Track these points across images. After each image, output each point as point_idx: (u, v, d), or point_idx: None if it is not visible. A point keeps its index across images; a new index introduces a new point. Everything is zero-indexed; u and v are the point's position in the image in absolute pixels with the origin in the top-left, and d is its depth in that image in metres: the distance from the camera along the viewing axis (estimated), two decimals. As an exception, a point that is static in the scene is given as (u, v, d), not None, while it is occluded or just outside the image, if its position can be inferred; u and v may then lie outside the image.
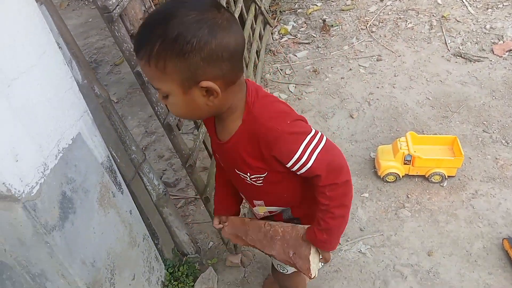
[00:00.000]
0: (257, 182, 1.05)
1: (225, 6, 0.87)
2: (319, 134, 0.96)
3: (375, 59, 3.06)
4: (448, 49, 3.04)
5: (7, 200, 0.92)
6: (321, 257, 1.12)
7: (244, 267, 1.83)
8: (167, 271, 1.70)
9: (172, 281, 1.68)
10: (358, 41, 3.27)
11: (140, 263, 1.47)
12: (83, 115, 1.18)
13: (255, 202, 1.17)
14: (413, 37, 3.23)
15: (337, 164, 0.96)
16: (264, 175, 1.02)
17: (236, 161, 1.02)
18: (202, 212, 2.12)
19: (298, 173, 0.97)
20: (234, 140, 0.98)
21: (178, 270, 1.71)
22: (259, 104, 0.94)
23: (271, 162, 0.97)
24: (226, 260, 1.85)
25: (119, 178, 1.37)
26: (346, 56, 3.14)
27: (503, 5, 3.33)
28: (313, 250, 1.09)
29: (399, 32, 3.30)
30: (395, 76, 2.86)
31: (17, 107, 0.92)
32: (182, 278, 1.69)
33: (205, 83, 0.84)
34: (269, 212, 1.20)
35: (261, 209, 1.20)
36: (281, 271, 1.34)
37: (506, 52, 2.90)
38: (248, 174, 1.03)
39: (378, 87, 2.78)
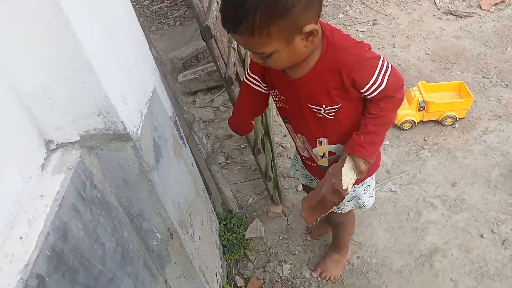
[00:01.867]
0: (330, 114, 1.12)
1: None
2: (386, 59, 1.07)
3: (371, 24, 3.22)
4: (438, 8, 3.23)
5: (120, 139, 1.01)
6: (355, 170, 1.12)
7: (286, 216, 1.98)
8: (220, 223, 1.82)
9: (226, 231, 1.80)
10: (352, 9, 3.42)
11: (204, 212, 1.59)
12: (154, 72, 1.28)
13: (319, 140, 1.21)
14: (403, 0, 3.40)
15: (401, 83, 1.07)
16: (338, 106, 1.09)
17: (312, 94, 1.09)
18: (235, 175, 2.24)
19: (369, 96, 1.05)
20: (312, 73, 1.05)
21: (230, 222, 1.84)
22: (337, 37, 1.03)
23: (347, 89, 1.05)
24: (269, 211, 1.98)
25: (182, 133, 1.48)
26: (343, 23, 3.29)
27: (483, -36, 3.54)
28: (348, 164, 1.11)
29: (390, -4, 3.46)
30: (393, 37, 3.03)
31: (118, 56, 1.02)
32: (235, 229, 1.82)
33: (308, 27, 0.91)
34: (329, 153, 1.24)
35: (322, 149, 1.23)
36: (338, 211, 1.41)
37: (493, 6, 3.11)
38: (324, 106, 1.10)
39: (379, 49, 2.94)
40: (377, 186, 2.02)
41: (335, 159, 1.21)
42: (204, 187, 1.68)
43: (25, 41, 0.82)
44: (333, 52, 1.02)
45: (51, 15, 0.78)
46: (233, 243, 1.78)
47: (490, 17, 3.02)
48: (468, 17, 3.07)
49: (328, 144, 1.22)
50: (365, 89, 1.05)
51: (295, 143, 1.37)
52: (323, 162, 1.27)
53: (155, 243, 1.27)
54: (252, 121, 1.39)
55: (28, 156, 0.92)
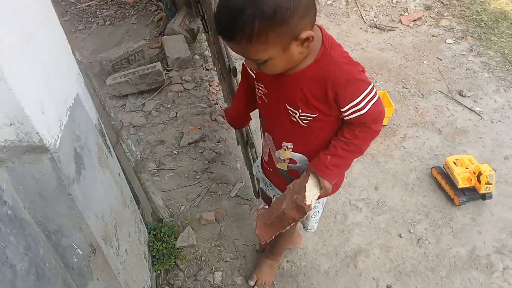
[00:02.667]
0: (304, 121, 1.10)
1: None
2: (375, 87, 1.05)
3: (303, 33, 3.33)
4: (364, 22, 3.43)
5: (36, 151, 0.94)
6: (320, 189, 1.12)
7: (218, 222, 1.97)
8: (149, 233, 1.77)
9: (156, 241, 1.76)
10: (285, 17, 3.52)
11: (132, 223, 1.54)
12: (77, 77, 1.21)
13: (285, 144, 1.19)
14: (333, 12, 3.57)
15: (382, 116, 1.06)
16: (314, 115, 1.07)
17: (292, 95, 1.07)
18: (167, 182, 2.19)
19: (347, 118, 1.05)
20: (299, 75, 1.03)
21: (160, 231, 1.79)
22: (335, 50, 1.02)
23: (329, 102, 1.04)
24: (201, 219, 1.97)
25: (108, 141, 1.42)
26: (277, 31, 3.37)
27: (404, -18, 3.83)
28: (311, 181, 1.11)
29: (320, 8, 3.61)
30: (323, 46, 3.16)
31: (36, 62, 0.95)
32: (165, 238, 1.78)
33: (304, 34, 0.92)
34: (290, 160, 1.21)
35: (285, 154, 1.21)
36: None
37: (412, 22, 3.38)
38: (300, 111, 1.08)
39: (310, 57, 3.06)
40: (307, 191, 2.09)
41: (294, 169, 1.22)
42: (132, 197, 1.62)
43: None
44: (326, 62, 1.02)
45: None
46: (163, 253, 1.74)
47: (409, 31, 3.27)
48: (391, 31, 3.30)
49: (292, 151, 1.20)
50: (345, 109, 1.04)
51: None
52: (282, 165, 1.25)
53: (75, 260, 1.20)
54: (250, 114, 1.36)
55: None
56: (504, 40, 3.08)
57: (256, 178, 1.77)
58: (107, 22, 3.59)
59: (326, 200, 1.40)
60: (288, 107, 1.10)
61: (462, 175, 1.94)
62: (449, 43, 3.12)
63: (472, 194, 1.92)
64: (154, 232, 1.78)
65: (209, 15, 1.44)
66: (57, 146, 0.99)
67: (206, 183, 2.14)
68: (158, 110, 2.60)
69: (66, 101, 1.10)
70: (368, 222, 1.92)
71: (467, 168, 1.97)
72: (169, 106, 2.63)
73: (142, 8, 3.76)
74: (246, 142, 1.78)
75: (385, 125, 2.41)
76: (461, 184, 1.92)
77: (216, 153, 2.29)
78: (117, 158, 1.55)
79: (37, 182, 1.01)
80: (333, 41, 1.04)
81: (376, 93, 1.04)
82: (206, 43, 3.27)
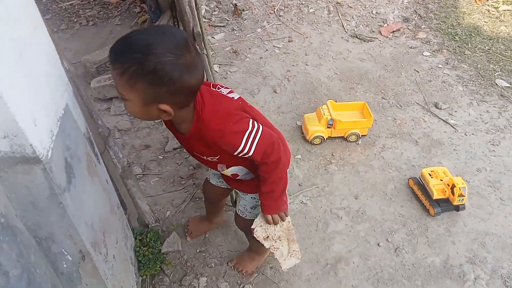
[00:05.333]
0: (213, 160, 1.34)
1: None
2: (256, 127, 1.21)
3: (286, 40, 3.39)
4: (345, 31, 3.52)
5: (29, 162, 0.95)
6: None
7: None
8: (136, 238, 1.78)
9: (142, 247, 1.77)
10: (269, 24, 3.57)
11: (119, 229, 1.54)
12: (67, 88, 1.22)
13: (219, 166, 1.40)
14: (315, 21, 3.64)
15: (271, 149, 1.23)
16: (217, 157, 1.32)
17: (193, 148, 1.33)
18: (152, 187, 2.20)
19: (245, 157, 1.24)
20: (189, 136, 1.24)
21: (146, 236, 1.81)
22: (207, 111, 1.18)
23: (221, 151, 1.26)
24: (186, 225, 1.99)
25: (96, 149, 1.42)
26: (261, 38, 3.42)
27: (383, -6, 3.95)
28: (260, 215, 1.41)
29: (303, 16, 3.68)
30: (306, 55, 3.23)
31: (28, 76, 0.96)
32: (151, 243, 1.79)
33: (162, 106, 1.08)
34: (233, 175, 1.43)
35: (226, 172, 1.42)
36: (240, 214, 1.62)
37: (390, 33, 3.49)
38: (205, 157, 1.34)
39: (293, 65, 3.12)
40: (290, 198, 2.14)
41: (240, 178, 1.44)
42: (119, 203, 1.63)
43: None
44: (200, 125, 1.19)
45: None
46: (149, 258, 1.75)
47: (388, 43, 3.38)
48: (371, 41, 3.40)
49: (227, 168, 1.40)
50: (235, 154, 1.23)
51: None
52: (226, 173, 1.44)
53: (65, 266, 1.21)
54: None
55: None
56: (477, 54, 3.22)
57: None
58: (90, 23, 3.55)
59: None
60: (196, 153, 1.36)
61: (437, 187, 2.03)
62: (425, 56, 3.24)
63: (447, 205, 2.02)
64: (140, 237, 1.79)
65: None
66: (49, 157, 1.00)
67: (191, 189, 2.16)
68: (142, 114, 2.60)
69: (57, 112, 1.11)
70: (348, 231, 1.99)
71: (441, 180, 2.07)
72: (153, 110, 2.63)
73: (126, 9, 3.74)
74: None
75: (365, 136, 2.48)
76: (436, 196, 2.01)
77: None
78: (105, 164, 1.56)
79: (30, 191, 1.02)
80: (206, 102, 1.18)
81: (257, 132, 1.20)
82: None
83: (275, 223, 1.39)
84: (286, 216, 1.40)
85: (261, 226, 1.41)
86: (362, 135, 2.46)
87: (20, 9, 0.97)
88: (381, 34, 3.50)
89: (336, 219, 2.04)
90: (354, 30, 3.54)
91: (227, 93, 1.29)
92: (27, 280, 1.04)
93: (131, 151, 2.36)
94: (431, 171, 2.11)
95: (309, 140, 2.42)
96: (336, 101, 2.68)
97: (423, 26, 3.56)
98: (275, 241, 1.45)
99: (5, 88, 0.84)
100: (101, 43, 3.27)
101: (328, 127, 2.41)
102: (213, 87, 1.28)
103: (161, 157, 2.34)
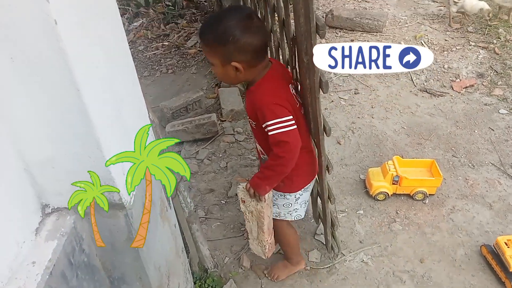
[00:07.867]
0: (252, 124, 1.52)
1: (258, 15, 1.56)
2: (289, 123, 1.35)
3: (353, 92, 3.43)
4: (414, 85, 3.47)
5: (115, 208, 1.06)
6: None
7: (260, 279, 2.01)
8: (195, 283, 1.83)
9: (200, 292, 1.81)
10: (335, 76, 3.64)
11: (181, 273, 1.61)
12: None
13: (255, 138, 1.62)
14: (383, 74, 3.65)
15: (283, 144, 1.37)
16: (254, 123, 1.49)
17: (247, 105, 1.53)
18: (213, 231, 2.27)
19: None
20: (249, 92, 1.46)
21: (205, 282, 1.86)
22: (266, 83, 1.41)
23: (256, 118, 1.44)
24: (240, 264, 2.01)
25: (168, 194, 1.53)
26: (327, 89, 3.48)
27: (456, 49, 3.87)
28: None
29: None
30: (372, 107, 3.23)
31: (124, 132, 1.09)
32: (209, 289, 1.84)
33: (234, 64, 1.32)
34: (260, 151, 1.63)
35: (258, 147, 1.62)
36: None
37: (463, 88, 3.38)
38: (249, 119, 1.53)
39: (359, 117, 3.12)
40: (350, 256, 2.09)
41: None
42: (183, 247, 1.71)
43: (41, 118, 0.88)
44: (257, 88, 1.42)
45: (71, 98, 0.86)
46: (206, 304, 1.79)
47: (460, 98, 3.27)
48: (441, 96, 3.32)
49: (257, 140, 1.61)
50: (263, 126, 1.40)
51: None
52: (259, 147, 1.63)
53: (132, 306, 1.28)
54: None
55: (24, 219, 0.96)
56: (561, 115, 3.01)
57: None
58: (170, 71, 3.88)
59: (301, 197, 1.69)
60: (247, 115, 1.53)
61: (515, 258, 1.88)
62: (502, 113, 3.09)
63: (525, 278, 1.85)
64: (200, 283, 1.84)
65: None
66: (131, 204, 1.11)
67: (250, 237, 2.19)
68: (210, 159, 2.74)
69: (142, 160, 1.23)
70: (412, 296, 1.89)
71: (520, 250, 1.90)
72: (220, 155, 2.76)
73: (202, 59, 4.03)
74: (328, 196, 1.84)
75: (433, 195, 2.38)
76: (513, 267, 1.85)
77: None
78: (174, 209, 1.66)
79: (111, 233, 1.12)
80: (272, 77, 1.41)
81: (284, 126, 1.35)
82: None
83: (249, 195, 1.56)
84: (260, 201, 1.54)
85: (244, 189, 1.59)
86: (429, 194, 2.37)
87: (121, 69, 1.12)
88: (453, 89, 3.41)
89: (399, 283, 1.95)
90: (423, 84, 3.49)
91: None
92: (99, 316, 1.12)
93: (196, 194, 2.48)
94: (508, 240, 1.96)
95: (373, 196, 2.37)
96: (402, 157, 2.62)
97: (500, 83, 3.42)
98: (247, 213, 1.64)
99: (105, 142, 0.96)
100: (177, 90, 3.54)
101: (393, 184, 2.35)
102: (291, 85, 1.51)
103: (224, 202, 2.42)
